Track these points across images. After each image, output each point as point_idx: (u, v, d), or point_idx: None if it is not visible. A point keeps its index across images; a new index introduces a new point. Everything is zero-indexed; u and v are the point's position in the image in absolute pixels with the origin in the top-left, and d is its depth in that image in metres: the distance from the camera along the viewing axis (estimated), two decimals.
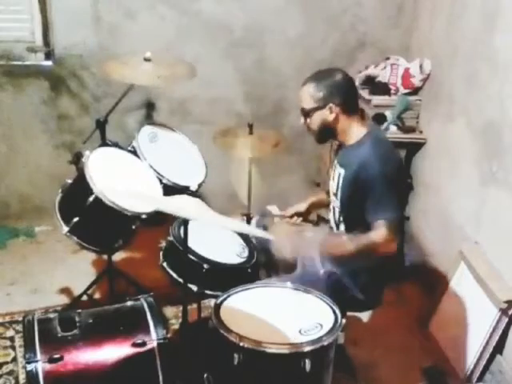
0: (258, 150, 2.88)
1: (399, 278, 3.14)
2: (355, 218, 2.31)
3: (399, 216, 2.25)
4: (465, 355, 2.70)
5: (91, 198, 2.43)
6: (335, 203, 2.41)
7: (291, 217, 2.62)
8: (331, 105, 2.28)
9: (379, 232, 2.17)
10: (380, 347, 2.84)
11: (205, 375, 2.04)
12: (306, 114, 2.34)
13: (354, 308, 2.47)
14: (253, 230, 2.18)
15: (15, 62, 3.42)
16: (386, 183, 2.19)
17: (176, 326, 2.84)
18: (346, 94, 2.31)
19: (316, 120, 2.33)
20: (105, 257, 2.89)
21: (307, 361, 1.84)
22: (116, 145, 2.81)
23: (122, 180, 2.62)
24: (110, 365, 1.90)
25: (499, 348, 2.62)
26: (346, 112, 2.30)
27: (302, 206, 2.63)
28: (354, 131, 2.32)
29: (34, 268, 3.29)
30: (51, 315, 2.04)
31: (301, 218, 2.64)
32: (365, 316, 2.93)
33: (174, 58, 2.91)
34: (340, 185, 2.36)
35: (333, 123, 2.31)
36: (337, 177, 2.38)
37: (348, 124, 2.32)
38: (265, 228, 2.56)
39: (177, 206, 1.92)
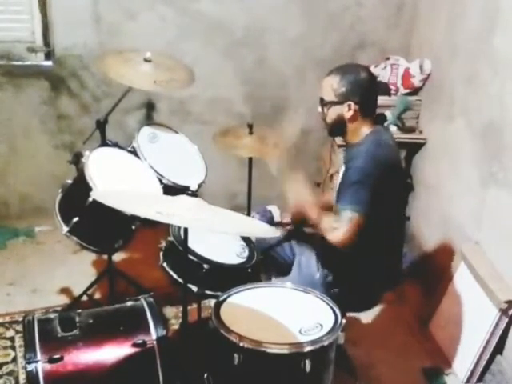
0: (258, 150, 2.88)
1: (398, 280, 3.14)
2: None
3: (364, 214, 2.13)
4: (465, 355, 2.70)
5: (91, 198, 2.42)
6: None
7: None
8: (350, 102, 2.26)
9: (331, 220, 2.19)
10: (380, 347, 2.84)
11: (205, 375, 2.04)
12: (324, 104, 2.32)
13: (350, 309, 2.47)
14: (254, 231, 2.16)
15: (15, 62, 3.42)
16: (361, 177, 2.17)
17: (176, 326, 2.84)
18: (367, 95, 2.29)
19: (332, 114, 2.31)
20: (105, 257, 2.88)
21: (307, 361, 1.84)
22: (116, 145, 2.81)
23: (122, 180, 2.63)
24: (110, 365, 1.90)
25: (499, 348, 2.62)
26: (362, 112, 2.28)
27: None
28: (362, 132, 2.31)
29: (33, 268, 3.29)
30: (51, 315, 2.03)
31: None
32: (365, 316, 2.94)
33: (173, 61, 2.91)
34: (339, 181, 2.37)
35: (348, 121, 2.29)
36: (340, 175, 2.39)
37: (360, 125, 2.30)
38: (269, 223, 2.56)
39: (175, 211, 1.90)
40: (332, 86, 2.28)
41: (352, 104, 2.26)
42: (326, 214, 2.28)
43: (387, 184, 2.20)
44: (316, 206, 2.30)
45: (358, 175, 2.18)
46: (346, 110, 2.27)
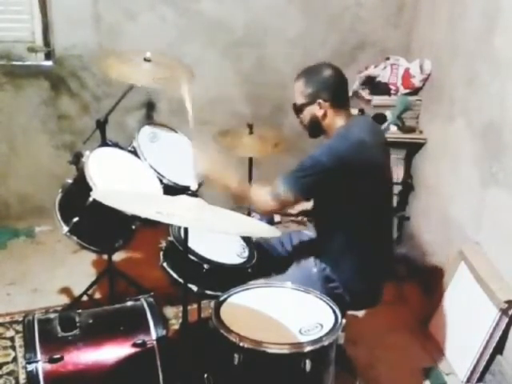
0: (258, 150, 2.88)
1: (395, 277, 3.14)
2: (317, 212, 2.45)
3: (295, 198, 2.24)
4: (465, 355, 2.70)
5: (91, 198, 2.42)
6: None
7: (297, 215, 2.65)
8: (320, 101, 2.30)
9: (264, 188, 2.26)
10: (380, 347, 2.84)
11: (205, 375, 2.04)
12: (298, 109, 2.38)
13: (348, 307, 2.47)
14: (254, 231, 2.17)
15: (15, 62, 3.42)
16: (309, 163, 2.21)
17: (176, 326, 2.84)
18: (334, 90, 2.32)
19: (306, 115, 2.36)
20: (105, 257, 2.88)
21: (307, 361, 1.84)
22: (116, 145, 2.81)
23: (122, 180, 2.63)
24: (110, 365, 1.90)
25: (499, 348, 2.62)
26: (334, 108, 2.32)
27: (308, 205, 2.63)
28: (335, 126, 2.33)
29: (34, 268, 3.29)
30: (51, 315, 2.03)
31: (306, 218, 2.66)
32: (365, 316, 2.94)
33: (174, 61, 2.91)
34: None
35: (321, 118, 2.33)
36: None
37: (333, 119, 2.33)
38: (270, 223, 2.57)
39: (175, 211, 1.91)
40: (300, 90, 2.35)
41: (322, 102, 2.30)
42: (249, 185, 2.38)
43: (348, 181, 2.20)
44: (234, 175, 2.37)
45: (308, 161, 2.22)
46: (318, 109, 2.32)
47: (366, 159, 2.26)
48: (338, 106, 2.32)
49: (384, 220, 2.44)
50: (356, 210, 2.26)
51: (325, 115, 2.32)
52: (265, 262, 2.57)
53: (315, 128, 2.38)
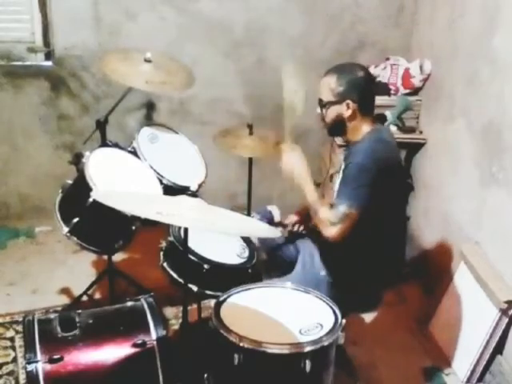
0: (258, 151, 2.88)
1: (399, 280, 3.13)
2: None
3: (360, 211, 2.15)
4: (465, 355, 2.70)
5: (91, 199, 2.42)
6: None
7: (293, 225, 2.62)
8: (349, 101, 2.27)
9: (328, 213, 2.19)
10: (380, 347, 2.84)
11: (205, 375, 2.04)
12: (323, 105, 2.33)
13: (354, 309, 2.47)
14: (255, 232, 2.17)
15: (15, 63, 3.42)
16: (359, 173, 2.18)
17: (176, 326, 2.84)
18: (365, 93, 2.31)
19: (331, 113, 2.32)
20: (105, 257, 2.89)
21: (307, 361, 1.84)
22: (116, 145, 2.81)
23: (122, 180, 2.63)
24: (110, 365, 1.90)
25: (499, 348, 2.62)
26: (361, 110, 2.30)
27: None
28: (362, 130, 2.32)
29: (33, 268, 3.29)
30: (51, 315, 2.04)
31: (302, 227, 2.63)
32: (365, 316, 2.94)
33: (174, 62, 2.90)
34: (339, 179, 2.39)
35: (347, 119, 2.30)
36: (340, 174, 2.39)
37: (360, 123, 2.31)
38: (270, 223, 2.55)
39: (175, 211, 1.90)
40: (329, 86, 2.29)
41: (350, 102, 2.27)
42: (324, 202, 2.28)
43: (386, 181, 2.20)
44: (313, 184, 2.30)
45: (357, 171, 2.20)
46: (345, 109, 2.28)
47: (396, 160, 2.34)
48: (364, 109, 2.30)
49: (397, 224, 2.43)
50: (377, 211, 2.21)
51: (352, 117, 2.29)
52: (277, 263, 2.58)
53: (338, 127, 2.35)
